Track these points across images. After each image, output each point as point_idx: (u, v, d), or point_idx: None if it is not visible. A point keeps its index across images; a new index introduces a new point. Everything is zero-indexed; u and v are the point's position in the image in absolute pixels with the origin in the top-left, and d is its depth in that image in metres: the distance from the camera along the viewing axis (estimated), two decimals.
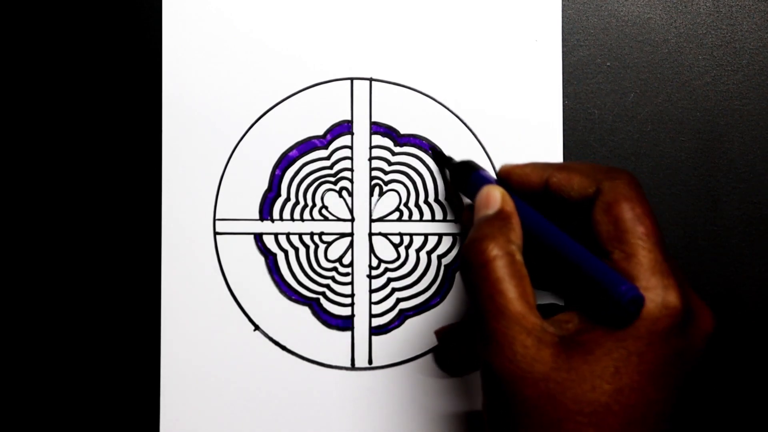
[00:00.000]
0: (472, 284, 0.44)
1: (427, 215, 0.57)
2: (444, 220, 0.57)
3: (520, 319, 0.43)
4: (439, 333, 0.56)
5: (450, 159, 0.56)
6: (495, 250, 0.44)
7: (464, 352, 0.55)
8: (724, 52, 0.58)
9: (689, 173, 0.58)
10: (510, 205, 0.48)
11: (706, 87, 0.58)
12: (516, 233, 0.46)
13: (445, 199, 0.57)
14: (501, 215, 0.47)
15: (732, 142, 0.58)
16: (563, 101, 0.57)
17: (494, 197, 0.48)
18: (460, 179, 0.53)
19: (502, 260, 0.44)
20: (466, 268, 0.45)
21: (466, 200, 0.56)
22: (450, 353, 0.56)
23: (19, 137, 0.57)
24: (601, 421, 0.41)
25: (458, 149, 0.57)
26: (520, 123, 0.57)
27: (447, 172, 0.56)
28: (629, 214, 0.44)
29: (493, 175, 0.51)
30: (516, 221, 0.47)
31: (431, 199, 0.57)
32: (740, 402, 0.57)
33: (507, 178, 0.50)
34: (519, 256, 0.45)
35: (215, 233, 0.57)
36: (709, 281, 0.57)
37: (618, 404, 0.41)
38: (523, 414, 0.42)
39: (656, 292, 0.42)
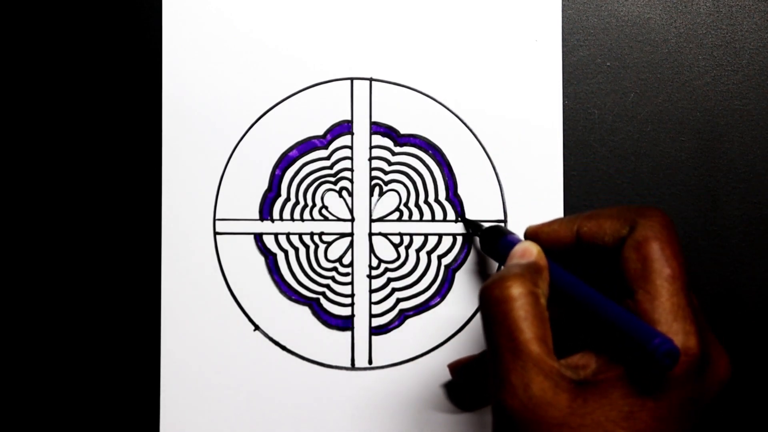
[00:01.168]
0: (491, 320, 0.43)
1: (427, 215, 0.57)
2: (444, 220, 0.57)
3: (539, 361, 0.42)
4: (453, 367, 0.55)
5: (479, 225, 0.56)
6: (520, 288, 0.43)
7: (479, 388, 0.55)
8: (724, 52, 0.58)
9: (689, 173, 0.58)
10: (544, 261, 0.47)
11: (706, 87, 0.58)
12: (544, 282, 0.45)
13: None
14: (533, 265, 0.46)
15: (732, 142, 0.58)
16: (563, 101, 0.57)
17: (531, 251, 0.47)
18: (489, 244, 0.53)
19: (526, 299, 0.43)
20: (486, 304, 0.44)
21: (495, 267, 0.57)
22: (464, 389, 0.56)
23: (19, 137, 0.57)
24: None
25: (458, 149, 0.57)
26: (520, 123, 0.57)
27: (477, 238, 0.56)
28: (658, 254, 0.43)
29: (521, 238, 0.51)
30: (546, 275, 0.46)
31: (431, 199, 0.57)
32: (740, 402, 0.57)
33: (536, 237, 0.49)
34: (543, 300, 0.44)
35: (215, 233, 0.57)
36: (709, 281, 0.57)
37: None
38: None
39: (677, 338, 0.42)
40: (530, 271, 0.45)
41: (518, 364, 0.42)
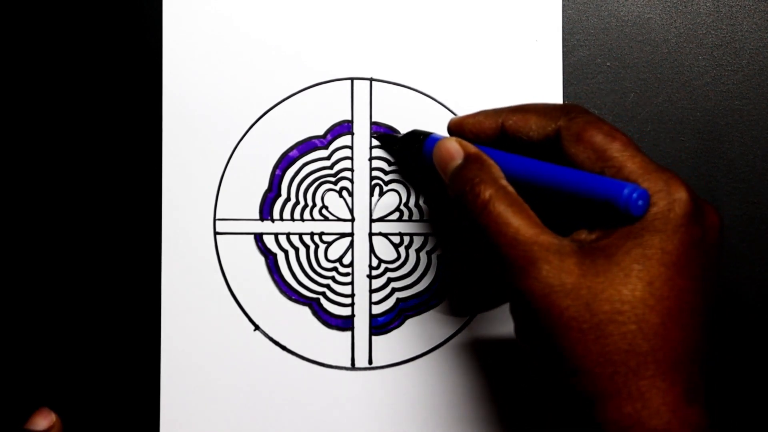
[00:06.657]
0: (479, 227, 0.45)
1: (428, 215, 0.57)
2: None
3: (535, 240, 0.43)
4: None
5: (395, 137, 0.56)
6: (488, 190, 0.45)
7: (474, 293, 0.56)
8: (724, 52, 0.58)
9: (689, 173, 0.58)
10: (473, 148, 0.48)
11: (706, 87, 0.58)
12: (495, 168, 0.47)
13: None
14: (471, 158, 0.48)
15: (732, 142, 0.58)
16: (563, 101, 0.58)
17: (454, 148, 0.49)
18: (413, 152, 0.53)
19: (497, 195, 0.45)
20: (468, 216, 0.45)
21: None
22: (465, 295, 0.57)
23: (19, 137, 0.57)
24: (641, 317, 0.41)
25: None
26: None
27: (400, 155, 0.56)
28: (599, 135, 0.45)
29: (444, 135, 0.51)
30: (487, 157, 0.47)
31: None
32: (741, 401, 0.57)
33: (460, 129, 0.51)
34: (510, 188, 0.46)
35: (215, 233, 0.57)
36: None
37: (652, 297, 0.41)
38: (562, 326, 0.42)
39: (659, 186, 0.43)
40: (478, 168, 0.47)
41: (519, 250, 0.43)
